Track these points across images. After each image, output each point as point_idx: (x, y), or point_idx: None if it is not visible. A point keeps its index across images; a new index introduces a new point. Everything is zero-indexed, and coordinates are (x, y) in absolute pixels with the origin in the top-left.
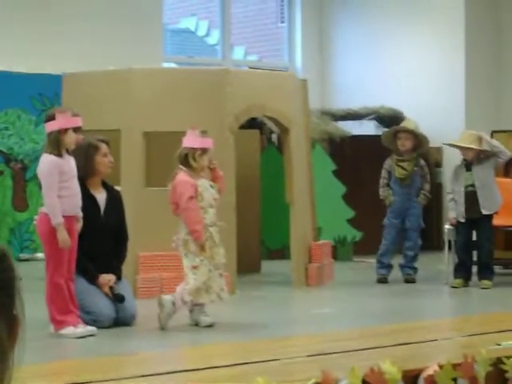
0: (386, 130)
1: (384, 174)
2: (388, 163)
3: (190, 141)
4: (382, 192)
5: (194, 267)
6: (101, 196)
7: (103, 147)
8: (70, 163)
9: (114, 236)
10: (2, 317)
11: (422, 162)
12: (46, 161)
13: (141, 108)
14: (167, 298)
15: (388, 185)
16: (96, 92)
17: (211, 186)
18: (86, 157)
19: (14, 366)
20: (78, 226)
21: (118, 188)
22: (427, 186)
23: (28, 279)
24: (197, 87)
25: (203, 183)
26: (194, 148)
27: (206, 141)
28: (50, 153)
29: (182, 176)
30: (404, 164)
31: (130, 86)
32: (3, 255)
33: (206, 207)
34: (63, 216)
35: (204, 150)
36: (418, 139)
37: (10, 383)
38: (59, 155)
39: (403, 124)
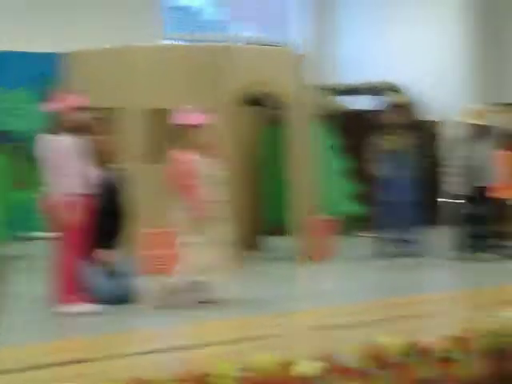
0: (383, 103)
1: (375, 148)
2: (379, 137)
3: (182, 118)
4: (373, 166)
5: (189, 244)
6: (100, 173)
7: (100, 126)
8: (75, 142)
9: (115, 212)
10: None
11: (415, 134)
12: (52, 140)
13: (142, 85)
14: (166, 281)
15: (379, 159)
16: (98, 70)
17: (209, 163)
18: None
19: None
20: (90, 204)
21: (118, 165)
22: (420, 158)
23: (30, 258)
24: (198, 63)
25: (200, 160)
26: (186, 125)
27: (198, 117)
28: (55, 132)
29: (179, 153)
30: (396, 137)
31: (131, 63)
32: None
33: (203, 184)
34: (70, 194)
35: (197, 127)
36: (409, 111)
37: None
38: (64, 135)
39: (395, 98)
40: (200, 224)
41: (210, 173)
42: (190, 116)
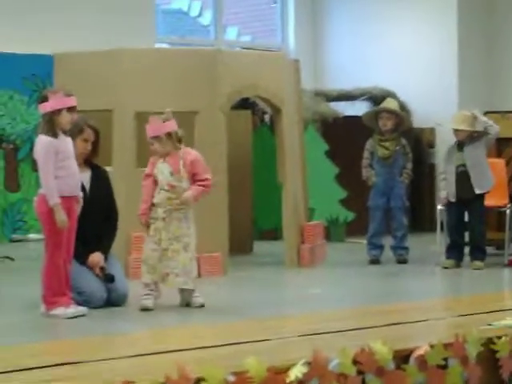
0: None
1: (366, 154)
2: (370, 143)
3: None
4: (365, 173)
5: (144, 245)
6: (84, 175)
7: (87, 132)
8: (66, 143)
9: (103, 215)
10: None
11: (404, 141)
12: (42, 142)
13: (132, 88)
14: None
15: (370, 165)
16: (88, 72)
17: (170, 173)
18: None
19: None
20: (78, 206)
21: (109, 168)
22: (410, 165)
23: (20, 260)
24: (188, 67)
25: (161, 167)
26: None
27: (155, 128)
28: (45, 134)
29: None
30: (386, 143)
31: (121, 66)
32: None
33: (159, 188)
34: (62, 196)
35: (153, 138)
36: (400, 118)
37: None
38: (54, 136)
39: (384, 104)
40: (142, 225)
41: (165, 181)
42: (147, 126)
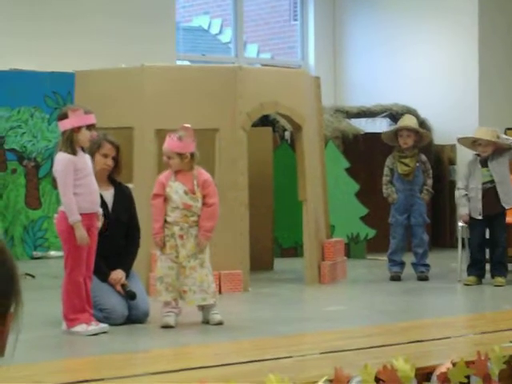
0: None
1: (386, 171)
2: (390, 160)
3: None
4: (385, 190)
5: (158, 262)
6: (107, 193)
7: (106, 147)
8: (86, 160)
9: (125, 232)
10: None
11: (424, 158)
12: (61, 159)
13: (153, 106)
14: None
15: (391, 182)
16: (108, 90)
17: (185, 192)
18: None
19: None
20: (99, 223)
21: (130, 186)
22: (430, 182)
23: (41, 277)
24: (209, 85)
25: (174, 186)
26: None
27: (170, 144)
28: (65, 151)
29: (162, 174)
30: (406, 160)
31: (142, 83)
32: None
33: (173, 207)
34: (81, 213)
35: (179, 153)
36: (419, 135)
37: None
38: (73, 153)
39: (403, 121)
40: (156, 244)
41: (180, 200)
42: (180, 142)
